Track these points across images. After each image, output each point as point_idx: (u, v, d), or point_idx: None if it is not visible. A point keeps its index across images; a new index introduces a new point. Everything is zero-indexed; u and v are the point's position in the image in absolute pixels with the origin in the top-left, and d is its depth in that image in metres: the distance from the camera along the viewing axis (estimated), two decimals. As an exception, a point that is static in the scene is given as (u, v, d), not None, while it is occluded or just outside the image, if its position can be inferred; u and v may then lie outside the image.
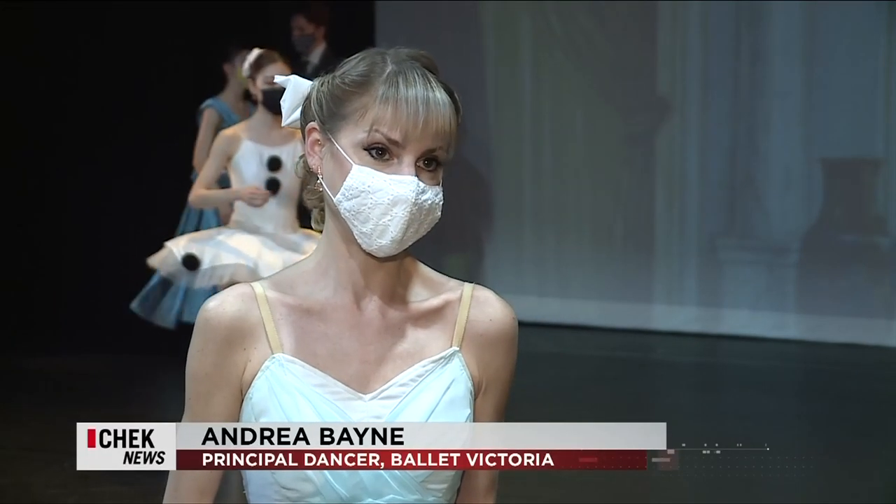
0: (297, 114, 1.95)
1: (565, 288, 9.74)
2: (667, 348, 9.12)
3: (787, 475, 6.11)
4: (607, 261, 9.68)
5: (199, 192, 6.30)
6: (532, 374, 7.89)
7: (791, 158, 9.27)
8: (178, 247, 6.17)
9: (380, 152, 1.82)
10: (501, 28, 9.92)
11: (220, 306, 1.88)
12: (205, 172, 6.38)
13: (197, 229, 7.92)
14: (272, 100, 6.07)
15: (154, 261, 6.31)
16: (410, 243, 1.86)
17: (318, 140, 1.89)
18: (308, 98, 1.92)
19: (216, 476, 1.92)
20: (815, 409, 7.51)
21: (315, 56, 8.30)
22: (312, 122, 1.90)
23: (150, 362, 8.13)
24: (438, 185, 1.86)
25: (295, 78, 1.96)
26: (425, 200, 1.83)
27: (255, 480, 1.88)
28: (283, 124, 1.98)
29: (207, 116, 7.88)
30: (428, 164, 1.84)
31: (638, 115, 9.63)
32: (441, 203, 1.85)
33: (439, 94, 1.84)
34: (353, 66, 1.88)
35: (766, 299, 9.33)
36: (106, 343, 8.20)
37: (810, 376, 8.50)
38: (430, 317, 1.93)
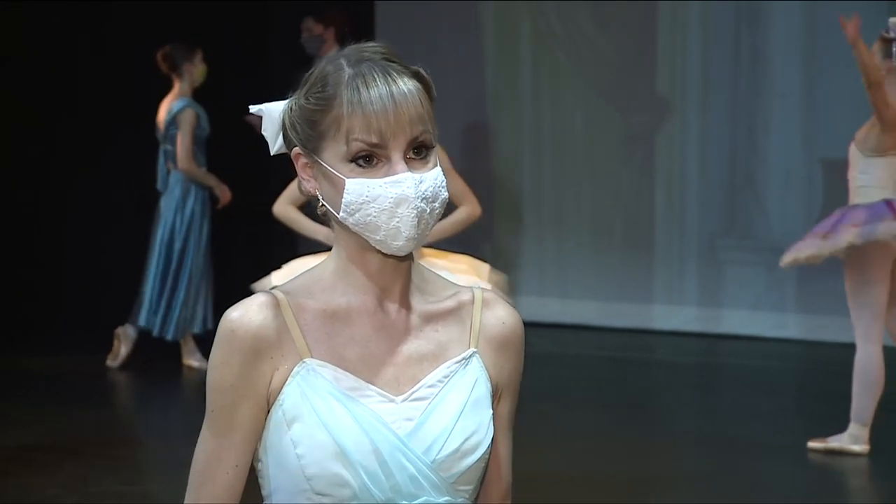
0: (281, 140, 1.93)
1: (565, 288, 9.75)
2: (667, 348, 9.12)
3: (787, 475, 6.11)
4: (607, 261, 9.68)
5: (287, 209, 5.68)
6: (532, 374, 7.88)
7: (791, 158, 9.27)
8: (279, 277, 5.34)
9: (366, 159, 1.81)
10: (501, 28, 9.93)
11: (245, 316, 1.85)
12: (295, 186, 5.84)
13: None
14: None
15: (257, 288, 5.46)
16: (429, 233, 1.85)
17: (307, 163, 1.87)
18: (283, 125, 1.91)
19: (237, 490, 1.89)
20: (815, 409, 7.50)
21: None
22: (296, 148, 1.88)
23: (149, 363, 8.13)
24: (435, 166, 1.84)
25: (266, 107, 1.95)
26: (426, 189, 1.82)
27: (284, 488, 1.85)
28: (273, 153, 1.96)
29: (188, 117, 7.91)
30: (417, 152, 1.83)
31: (638, 115, 9.63)
32: (444, 183, 1.84)
33: (402, 84, 1.82)
34: (314, 81, 1.86)
35: (766, 299, 9.33)
36: (106, 343, 8.20)
37: (810, 376, 8.50)
38: (447, 318, 1.92)
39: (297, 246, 6.49)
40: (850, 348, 8.91)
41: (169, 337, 8.02)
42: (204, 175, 8.04)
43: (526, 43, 9.89)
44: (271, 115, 1.94)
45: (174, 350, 8.15)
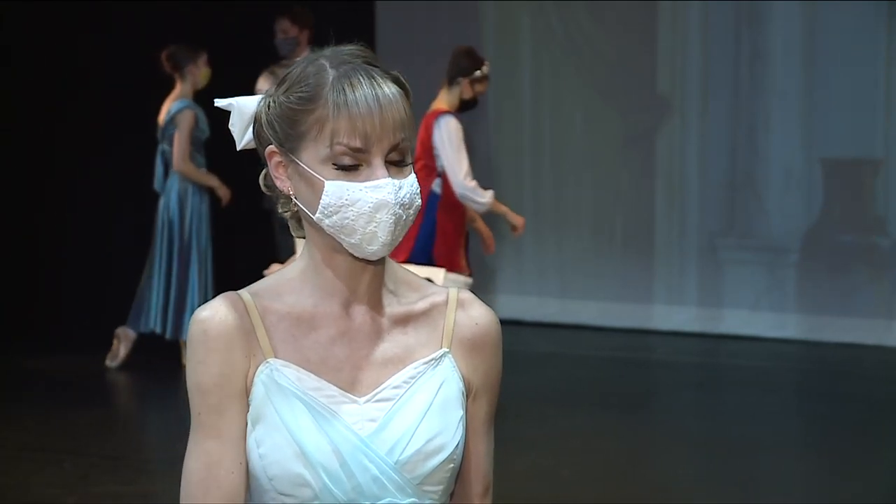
0: (249, 135, 1.92)
1: (565, 288, 9.74)
2: (667, 348, 9.12)
3: (787, 475, 6.11)
4: (607, 261, 9.68)
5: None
6: (532, 374, 7.89)
7: (791, 158, 9.27)
8: None
9: (347, 163, 1.80)
10: (501, 28, 9.92)
11: (215, 315, 1.85)
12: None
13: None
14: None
15: None
16: (400, 239, 1.85)
17: (282, 162, 1.86)
18: (257, 121, 1.89)
19: (244, 490, 1.86)
20: (815, 409, 7.51)
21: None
22: (270, 146, 1.87)
23: (149, 363, 8.13)
24: (411, 174, 1.84)
25: (237, 101, 1.93)
26: (404, 196, 1.82)
27: (251, 488, 1.86)
28: (239, 148, 1.94)
29: (187, 118, 7.92)
30: (395, 159, 1.82)
31: (638, 115, 9.63)
32: (418, 191, 1.84)
33: (387, 88, 1.81)
34: (296, 80, 1.84)
35: (766, 299, 9.33)
36: (106, 343, 8.19)
37: (810, 376, 8.50)
38: (418, 320, 1.92)
39: (293, 247, 6.49)
40: (850, 348, 8.95)
41: (184, 338, 8.02)
42: (202, 175, 8.05)
43: (526, 43, 9.89)
44: (242, 109, 1.93)
45: (174, 350, 8.16)
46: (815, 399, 7.84)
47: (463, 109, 7.01)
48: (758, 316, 9.31)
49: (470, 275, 6.97)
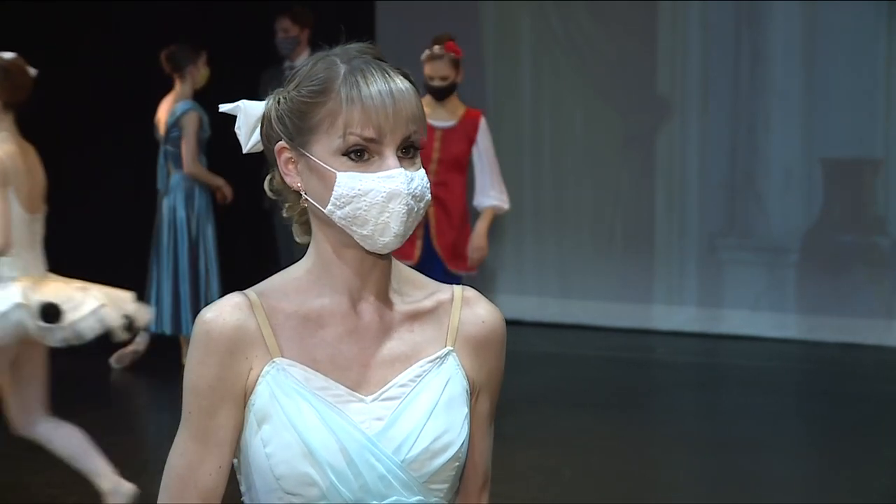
0: (255, 137, 1.93)
1: (565, 288, 9.74)
2: (667, 348, 9.12)
3: (787, 475, 6.11)
4: (607, 261, 9.68)
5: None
6: (532, 374, 7.89)
7: (791, 158, 9.27)
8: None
9: (358, 154, 1.81)
10: (501, 28, 9.92)
11: (220, 317, 1.85)
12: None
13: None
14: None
15: None
16: (411, 232, 1.85)
17: (291, 158, 1.86)
18: (266, 119, 1.90)
19: (221, 492, 1.90)
20: (815, 409, 7.51)
21: (301, 61, 8.32)
22: (280, 142, 1.87)
23: (149, 363, 8.13)
24: (421, 167, 1.85)
25: (244, 103, 1.94)
26: (416, 187, 1.83)
27: (257, 487, 1.87)
28: (245, 151, 1.95)
29: (192, 120, 7.90)
30: (406, 151, 1.83)
31: (638, 115, 9.63)
32: (428, 184, 1.86)
33: (399, 82, 1.83)
34: (306, 75, 1.86)
35: (766, 299, 9.33)
36: (106, 344, 8.18)
37: (810, 376, 8.51)
38: (424, 318, 1.93)
39: (293, 247, 6.49)
40: (850, 348, 8.95)
41: (185, 333, 8.01)
42: (210, 176, 8.04)
43: (526, 43, 9.89)
44: (248, 112, 1.93)
45: (174, 350, 8.15)
46: (815, 399, 7.85)
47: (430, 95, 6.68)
48: (758, 316, 9.31)
49: (419, 261, 6.51)
